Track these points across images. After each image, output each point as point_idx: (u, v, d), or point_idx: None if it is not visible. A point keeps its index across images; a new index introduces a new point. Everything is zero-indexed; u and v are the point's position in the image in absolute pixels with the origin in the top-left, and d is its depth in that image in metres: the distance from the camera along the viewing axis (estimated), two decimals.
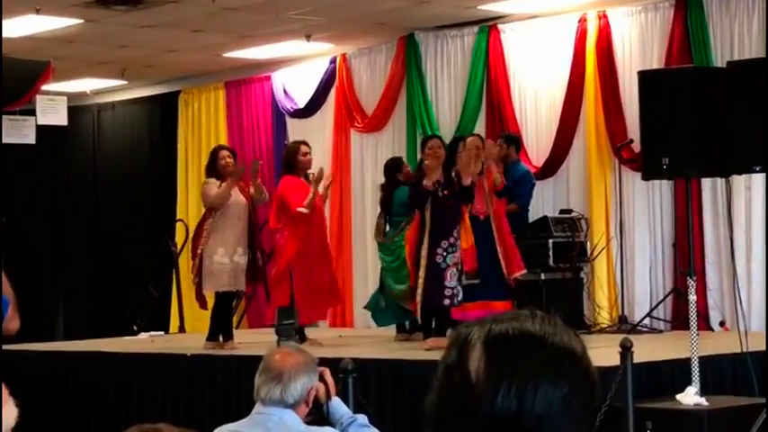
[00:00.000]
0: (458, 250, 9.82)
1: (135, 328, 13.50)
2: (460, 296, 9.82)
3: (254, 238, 10.75)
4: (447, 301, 9.77)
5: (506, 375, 1.64)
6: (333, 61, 14.64)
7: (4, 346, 5.12)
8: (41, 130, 13.03)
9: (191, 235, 14.59)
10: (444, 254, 9.78)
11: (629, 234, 12.15)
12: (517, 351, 1.66)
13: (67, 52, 13.86)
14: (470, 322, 1.73)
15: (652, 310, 11.46)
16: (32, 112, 13.00)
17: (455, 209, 9.90)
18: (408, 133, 13.78)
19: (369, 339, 11.52)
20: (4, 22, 10.32)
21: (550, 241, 11.48)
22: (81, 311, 17.26)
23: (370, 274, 13.71)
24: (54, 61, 13.05)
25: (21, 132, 12.94)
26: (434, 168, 9.95)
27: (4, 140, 12.60)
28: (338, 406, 5.04)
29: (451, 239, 9.82)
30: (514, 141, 12.07)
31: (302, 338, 10.41)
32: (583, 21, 12.59)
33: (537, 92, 12.97)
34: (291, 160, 10.78)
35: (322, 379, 4.88)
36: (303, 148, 10.81)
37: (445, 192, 9.89)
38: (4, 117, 12.77)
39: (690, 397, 7.64)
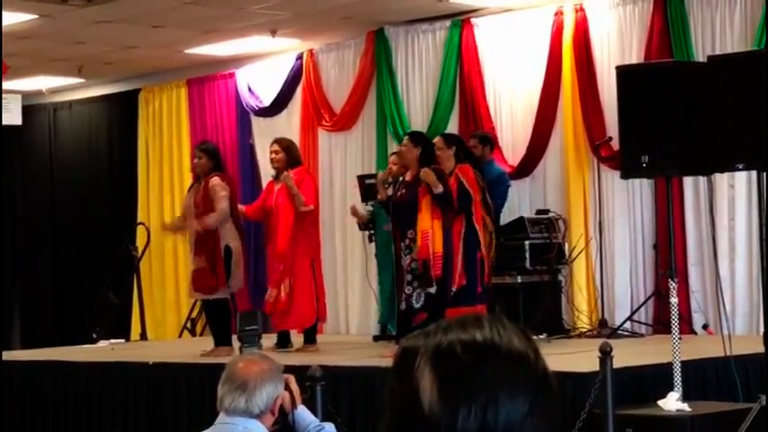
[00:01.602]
0: (412, 252, 9.67)
1: (94, 335, 13.40)
2: (421, 302, 9.59)
3: (202, 242, 10.49)
4: (403, 305, 9.72)
5: (463, 400, 1.58)
6: (299, 57, 14.48)
7: None
8: None
9: (152, 239, 14.47)
10: (403, 255, 9.77)
11: (609, 235, 12.03)
12: (470, 369, 1.59)
13: (21, 49, 13.65)
14: (413, 335, 1.66)
15: (633, 313, 11.43)
16: None
17: (409, 210, 9.73)
18: (378, 132, 13.62)
19: (339, 346, 11.37)
20: None
21: (527, 243, 11.38)
22: (38, 318, 17.15)
23: (338, 277, 13.56)
24: (7, 58, 12.83)
25: None
26: (381, 183, 10.20)
27: None
28: (304, 414, 4.94)
29: (407, 241, 9.73)
30: (489, 141, 11.92)
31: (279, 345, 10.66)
32: (559, 14, 12.47)
33: (512, 88, 12.84)
34: None
35: (287, 387, 4.79)
36: (270, 148, 10.86)
37: (402, 191, 9.85)
38: None
39: (672, 403, 7.59)
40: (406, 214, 9.76)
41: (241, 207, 10.79)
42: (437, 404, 1.59)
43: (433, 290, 9.56)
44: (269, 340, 10.52)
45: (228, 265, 10.46)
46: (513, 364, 1.62)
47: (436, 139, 10.56)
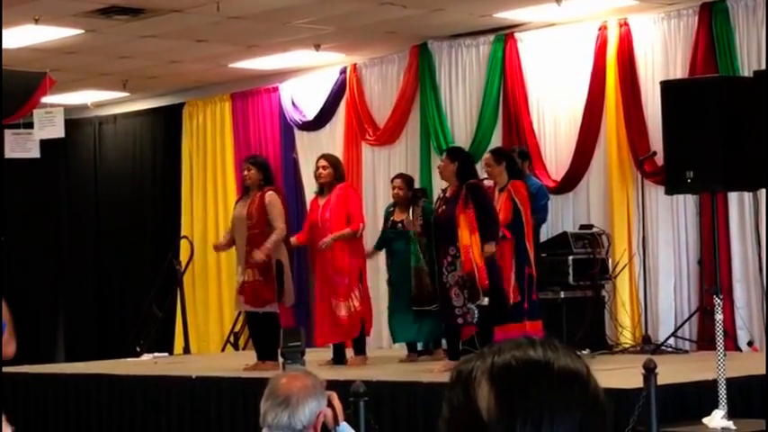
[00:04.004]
0: (458, 269, 9.59)
1: (138, 349, 13.47)
2: (475, 317, 9.56)
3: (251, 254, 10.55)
4: (460, 320, 9.66)
5: (520, 410, 1.62)
6: (343, 71, 14.47)
7: (3, 368, 4.93)
8: (40, 144, 12.84)
9: (195, 252, 14.49)
10: (446, 272, 9.68)
11: (653, 250, 11.97)
12: (526, 382, 1.64)
13: (67, 63, 13.73)
14: (468, 357, 1.70)
15: (677, 329, 11.35)
16: (33, 126, 12.80)
17: (450, 226, 9.69)
18: (422, 146, 13.59)
19: (379, 361, 11.32)
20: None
21: (570, 258, 11.37)
22: (82, 332, 17.16)
23: (381, 291, 13.48)
24: (53, 73, 12.93)
25: (24, 147, 12.85)
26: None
27: (8, 155, 12.42)
28: (347, 431, 4.87)
29: (449, 258, 9.67)
30: (527, 156, 11.93)
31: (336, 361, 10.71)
32: (603, 29, 12.41)
33: (556, 103, 12.78)
34: None
35: (330, 403, 4.73)
36: (317, 163, 10.95)
37: (443, 207, 9.79)
38: (6, 131, 12.58)
39: (717, 420, 7.52)
40: (446, 230, 9.71)
41: (293, 238, 10.82)
42: (494, 411, 1.62)
43: (484, 302, 9.51)
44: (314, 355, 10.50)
45: (281, 279, 10.50)
46: (567, 381, 1.65)
47: (485, 156, 10.59)
